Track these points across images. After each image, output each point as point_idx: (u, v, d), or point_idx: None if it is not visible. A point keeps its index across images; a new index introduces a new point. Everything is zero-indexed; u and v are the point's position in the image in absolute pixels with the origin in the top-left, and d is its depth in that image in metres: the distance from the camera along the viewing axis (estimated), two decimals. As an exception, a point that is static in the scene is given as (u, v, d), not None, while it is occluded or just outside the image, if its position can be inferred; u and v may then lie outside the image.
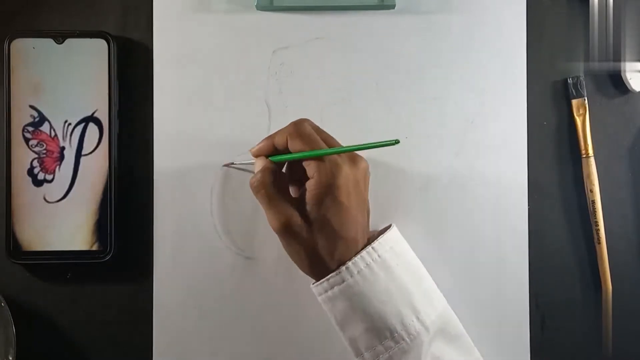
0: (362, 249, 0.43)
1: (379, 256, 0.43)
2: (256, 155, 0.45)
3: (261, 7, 0.49)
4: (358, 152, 0.44)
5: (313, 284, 0.44)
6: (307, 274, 0.44)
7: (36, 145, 0.47)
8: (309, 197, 0.42)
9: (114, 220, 0.47)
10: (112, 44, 0.47)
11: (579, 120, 0.50)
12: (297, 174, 0.45)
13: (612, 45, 0.49)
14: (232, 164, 0.48)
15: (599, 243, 0.49)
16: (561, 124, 0.50)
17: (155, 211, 0.48)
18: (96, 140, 0.47)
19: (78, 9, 0.49)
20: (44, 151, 0.47)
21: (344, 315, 0.42)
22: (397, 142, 0.40)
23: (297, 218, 0.42)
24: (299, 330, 0.48)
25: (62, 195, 0.47)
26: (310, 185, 0.42)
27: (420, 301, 0.43)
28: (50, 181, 0.47)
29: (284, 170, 0.46)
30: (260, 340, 0.48)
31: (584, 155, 0.49)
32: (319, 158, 0.42)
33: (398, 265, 0.43)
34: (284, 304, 0.48)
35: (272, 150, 0.44)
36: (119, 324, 0.48)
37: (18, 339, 0.47)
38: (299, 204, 0.43)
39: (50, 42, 0.47)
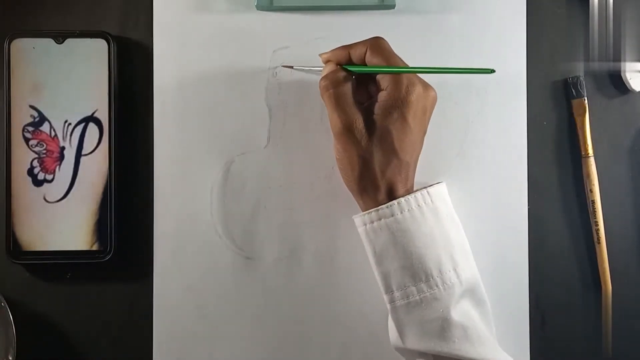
0: (411, 187, 0.44)
1: (432, 201, 0.43)
2: (327, 61, 0.45)
3: (261, 7, 0.48)
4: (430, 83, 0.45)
5: (359, 214, 0.44)
6: (351, 186, 0.44)
7: (36, 145, 0.47)
8: (378, 107, 0.43)
9: (114, 220, 0.47)
10: (112, 44, 0.47)
11: (578, 120, 0.50)
12: (365, 89, 0.46)
13: (612, 45, 0.49)
14: (293, 67, 0.48)
15: (599, 243, 0.49)
16: (561, 124, 0.50)
17: (155, 211, 0.48)
18: (96, 140, 0.47)
19: (78, 9, 0.49)
20: (44, 151, 0.47)
21: (383, 249, 0.43)
22: (492, 71, 0.41)
23: (360, 123, 0.43)
24: (299, 330, 0.48)
25: (62, 195, 0.47)
26: (382, 95, 0.43)
27: (459, 255, 0.43)
28: (50, 181, 0.47)
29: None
30: (259, 340, 0.48)
31: (584, 155, 0.49)
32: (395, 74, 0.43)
33: (447, 217, 0.44)
34: (284, 304, 0.48)
35: (345, 59, 0.45)
36: (119, 324, 0.48)
37: (18, 338, 0.47)
38: (365, 112, 0.43)
39: (50, 42, 0.47)
